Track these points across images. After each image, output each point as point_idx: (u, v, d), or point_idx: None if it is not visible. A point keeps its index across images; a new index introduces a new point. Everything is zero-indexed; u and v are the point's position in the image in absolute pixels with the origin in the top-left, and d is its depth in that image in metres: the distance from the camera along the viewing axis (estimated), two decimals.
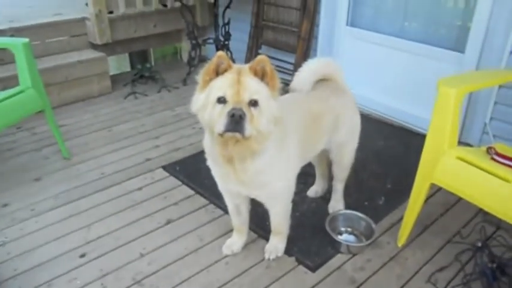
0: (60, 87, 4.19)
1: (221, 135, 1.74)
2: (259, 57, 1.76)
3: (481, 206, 1.99)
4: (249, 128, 1.69)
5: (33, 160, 3.31)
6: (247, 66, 1.78)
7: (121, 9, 4.60)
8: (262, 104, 1.74)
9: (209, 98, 1.75)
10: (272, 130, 1.81)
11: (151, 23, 4.89)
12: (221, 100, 1.72)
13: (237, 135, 1.71)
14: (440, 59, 3.53)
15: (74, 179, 3.06)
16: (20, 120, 2.95)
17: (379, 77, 4.03)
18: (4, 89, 3.07)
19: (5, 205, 2.77)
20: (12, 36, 3.92)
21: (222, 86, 1.73)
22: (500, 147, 2.22)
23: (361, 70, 4.08)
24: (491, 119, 3.26)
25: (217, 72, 1.77)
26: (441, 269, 2.28)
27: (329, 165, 2.66)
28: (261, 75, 1.77)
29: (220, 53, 1.76)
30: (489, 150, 2.13)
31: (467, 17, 3.35)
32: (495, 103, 3.21)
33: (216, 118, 1.72)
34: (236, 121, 1.67)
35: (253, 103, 1.72)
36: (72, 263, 2.32)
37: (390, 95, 3.96)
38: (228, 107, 1.69)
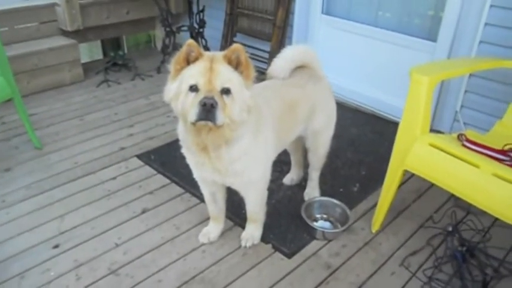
0: (30, 75, 4.07)
1: (194, 124, 1.73)
2: (234, 45, 1.75)
3: (452, 192, 2.04)
4: (221, 117, 1.69)
5: (3, 150, 3.21)
6: (221, 54, 1.77)
7: None
8: (235, 92, 1.73)
9: (181, 86, 1.74)
10: (245, 118, 1.81)
11: (123, 10, 4.79)
12: (193, 88, 1.71)
13: (209, 123, 1.70)
14: (413, 47, 3.58)
15: (46, 169, 2.99)
16: None
17: (354, 65, 4.06)
18: None
19: None
20: None
21: (193, 74, 1.71)
22: (471, 134, 2.28)
23: (336, 58, 4.10)
24: (462, 107, 3.33)
25: (188, 61, 1.76)
26: (414, 253, 2.34)
27: (304, 153, 2.68)
28: (236, 64, 1.76)
29: (190, 41, 1.74)
30: (460, 137, 2.19)
31: (439, 7, 3.40)
32: (465, 92, 3.28)
33: (188, 107, 1.71)
34: (208, 110, 1.65)
35: (226, 91, 1.71)
36: (46, 254, 2.28)
37: (364, 83, 4.00)
38: (200, 96, 1.68)
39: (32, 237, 2.39)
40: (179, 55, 1.76)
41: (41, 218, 2.54)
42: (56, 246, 2.34)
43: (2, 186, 2.80)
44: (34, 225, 2.48)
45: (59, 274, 2.17)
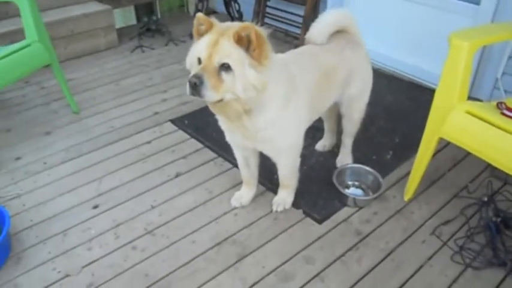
0: (66, 40, 4.15)
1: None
2: (244, 24, 1.68)
3: (489, 161, 1.99)
4: (208, 94, 1.68)
5: (43, 114, 3.33)
6: (234, 28, 1.70)
7: None
8: (236, 69, 1.69)
9: (192, 58, 1.78)
10: (253, 96, 1.76)
11: None
12: (200, 61, 1.73)
13: (200, 99, 1.71)
14: (454, 11, 3.42)
15: (84, 133, 3.09)
16: (28, 74, 2.93)
17: (390, 30, 3.93)
18: (11, 42, 3.05)
19: (18, 158, 2.83)
20: None
21: (200, 48, 1.73)
22: (511, 102, 2.19)
23: (372, 23, 3.97)
24: (503, 73, 3.20)
25: (202, 33, 1.77)
26: (446, 223, 2.32)
27: (338, 119, 2.66)
28: (247, 42, 1.70)
29: (198, 14, 1.75)
30: (499, 105, 2.11)
31: None
32: (509, 58, 3.14)
33: None
34: (193, 87, 1.67)
35: (226, 67, 1.69)
36: (86, 214, 2.39)
37: (401, 49, 3.88)
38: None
39: (72, 198, 2.50)
40: (193, 28, 1.78)
41: (80, 180, 2.64)
42: (96, 207, 2.44)
43: (43, 149, 2.92)
44: (74, 186, 2.59)
45: (99, 232, 2.27)
